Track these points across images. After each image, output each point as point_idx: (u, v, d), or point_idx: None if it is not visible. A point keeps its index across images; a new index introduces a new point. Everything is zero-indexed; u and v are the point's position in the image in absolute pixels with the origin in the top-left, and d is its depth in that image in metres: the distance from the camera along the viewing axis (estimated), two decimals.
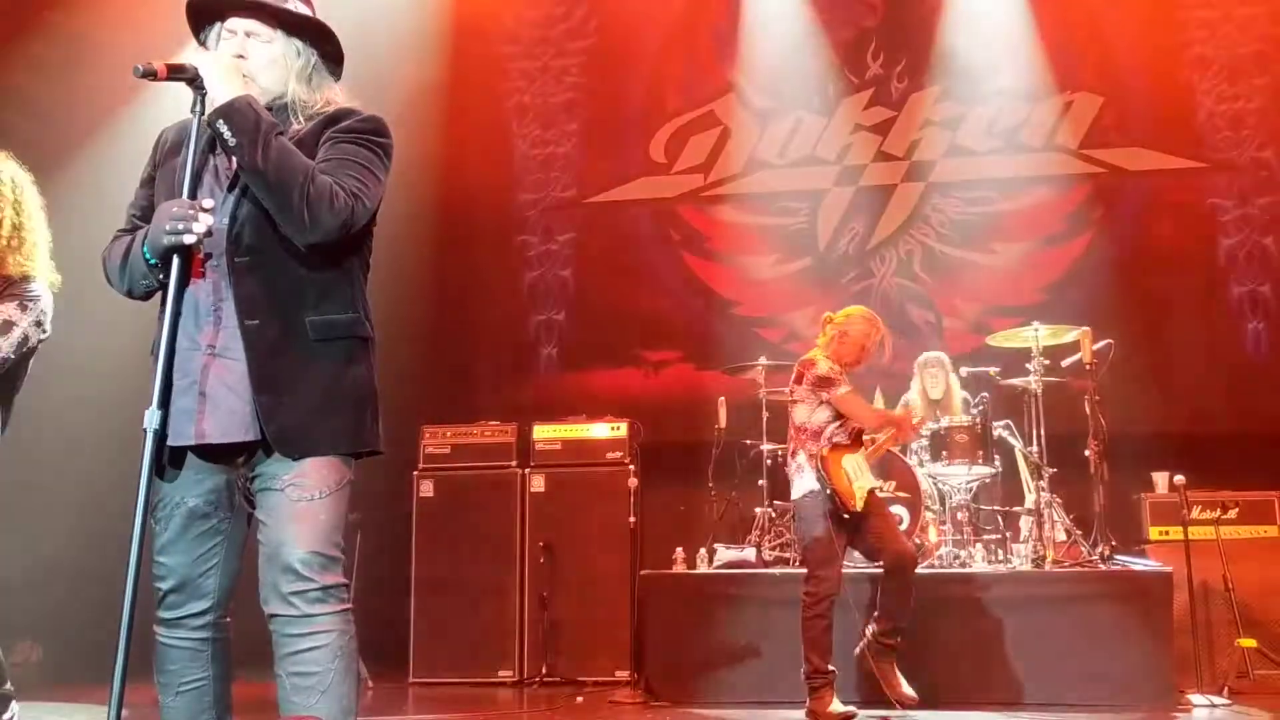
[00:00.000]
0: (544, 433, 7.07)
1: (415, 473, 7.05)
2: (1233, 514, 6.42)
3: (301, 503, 2.43)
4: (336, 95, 2.66)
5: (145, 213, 2.60)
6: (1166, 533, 6.35)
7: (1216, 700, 5.44)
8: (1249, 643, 5.77)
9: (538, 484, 6.92)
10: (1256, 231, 7.83)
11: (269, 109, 2.51)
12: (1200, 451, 6.60)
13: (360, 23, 8.21)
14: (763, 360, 6.84)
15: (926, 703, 5.39)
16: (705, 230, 8.60)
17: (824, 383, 5.24)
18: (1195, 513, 6.13)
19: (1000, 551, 6.13)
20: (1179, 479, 6.00)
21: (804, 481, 5.25)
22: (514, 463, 7.01)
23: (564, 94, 8.76)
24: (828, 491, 5.13)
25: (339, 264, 2.56)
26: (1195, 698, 5.45)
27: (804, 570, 5.29)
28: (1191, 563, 5.81)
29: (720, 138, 8.63)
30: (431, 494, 7.00)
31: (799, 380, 5.35)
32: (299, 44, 2.63)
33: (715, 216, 8.61)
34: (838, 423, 5.27)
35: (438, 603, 6.82)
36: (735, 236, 8.56)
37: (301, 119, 2.58)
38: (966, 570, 5.92)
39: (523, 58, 8.73)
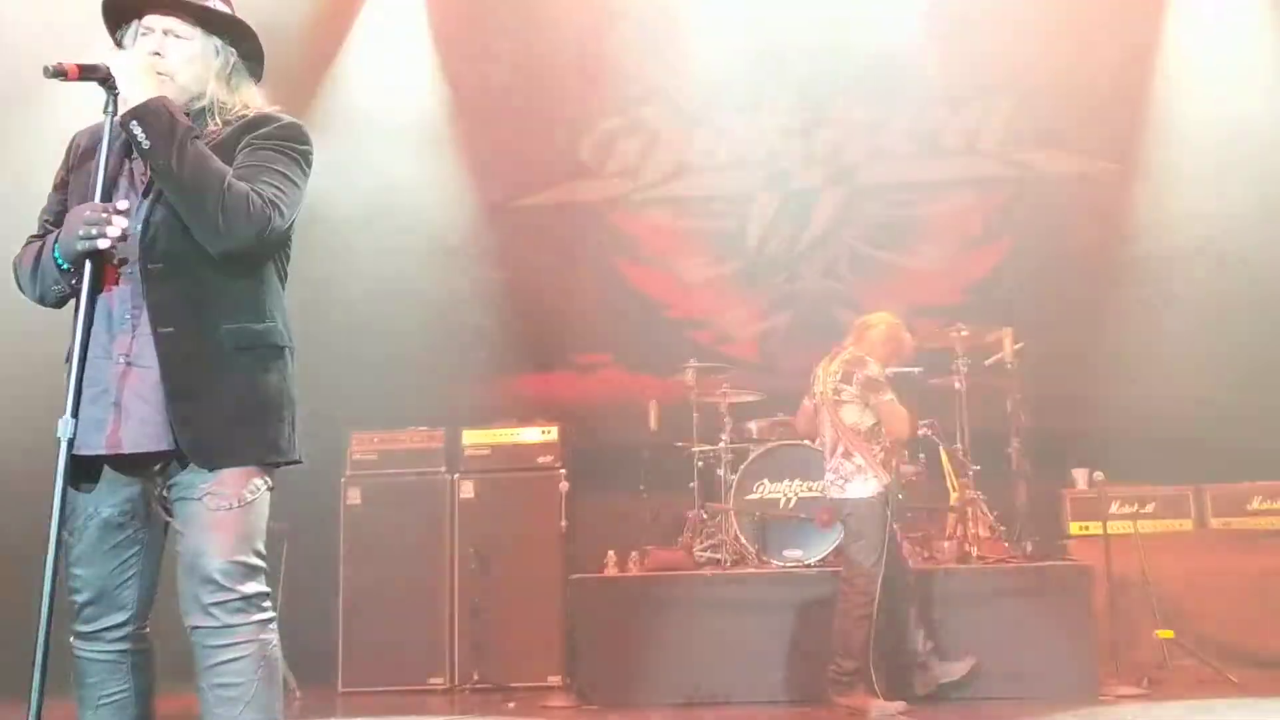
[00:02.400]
0: (474, 438, 7.02)
1: (342, 480, 6.97)
2: (1150, 508, 6.60)
3: (219, 512, 2.39)
4: (255, 97, 2.62)
5: (58, 218, 2.54)
6: (1086, 528, 6.50)
7: (1136, 691, 5.58)
8: (1167, 634, 5.94)
9: (467, 490, 6.87)
10: (1168, 234, 8.03)
11: (186, 111, 2.46)
12: (1118, 448, 6.75)
13: (279, 22, 8.15)
14: (693, 362, 6.85)
15: None
16: (635, 233, 8.61)
17: (873, 385, 5.31)
18: (1114, 508, 6.29)
19: (926, 549, 6.22)
20: (1098, 475, 6.15)
21: (866, 484, 5.26)
22: (443, 468, 6.96)
23: (492, 96, 8.69)
24: (898, 495, 5.26)
25: (256, 272, 2.52)
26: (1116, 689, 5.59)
27: (851, 569, 5.28)
28: (1111, 557, 5.95)
29: (648, 141, 8.65)
30: (359, 501, 6.92)
31: (847, 380, 5.35)
32: (218, 43, 2.58)
33: (645, 220, 8.62)
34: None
35: (367, 611, 6.74)
36: (665, 240, 8.58)
37: (219, 121, 2.53)
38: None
39: (450, 60, 8.65)
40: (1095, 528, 6.21)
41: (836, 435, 5.37)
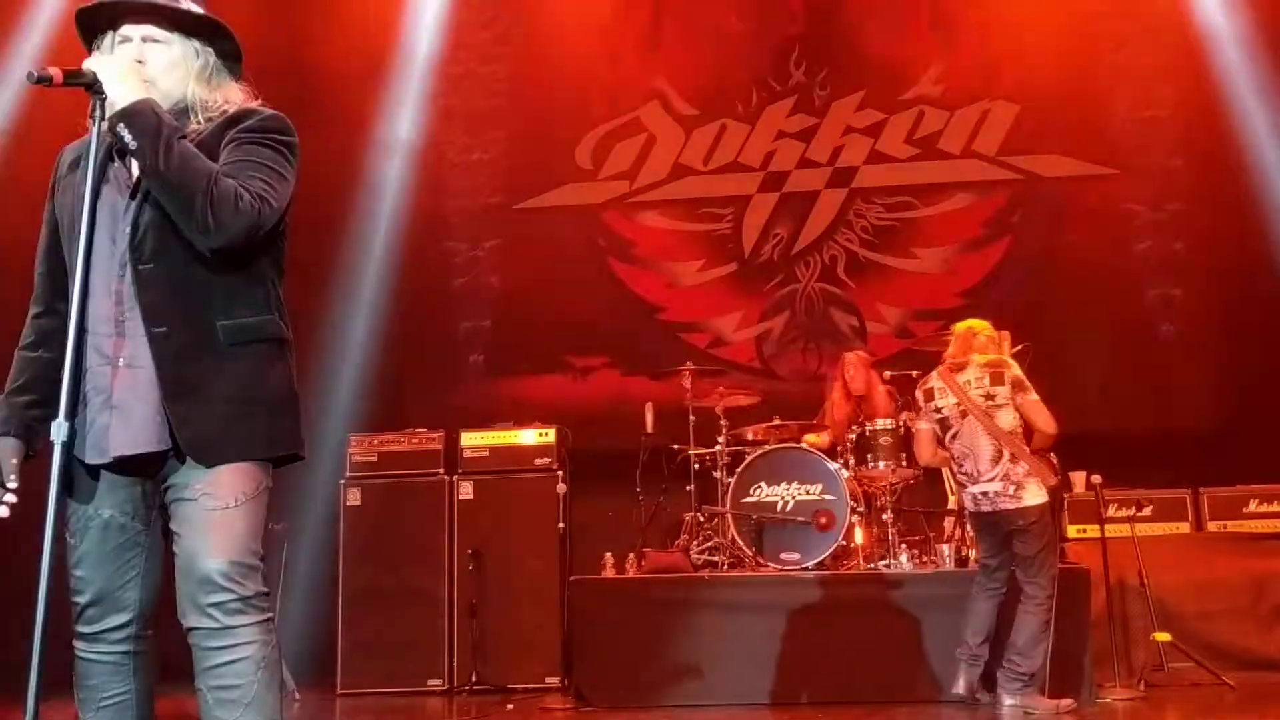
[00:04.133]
0: (472, 439, 7.03)
1: (342, 481, 6.97)
2: (1147, 511, 6.61)
3: (217, 511, 2.37)
4: (236, 94, 2.61)
5: (46, 257, 2.55)
6: (1084, 530, 6.51)
7: (1133, 693, 5.59)
8: (1164, 636, 5.94)
9: (466, 491, 6.87)
10: (1168, 236, 8.06)
11: (170, 113, 2.46)
12: (1116, 451, 6.77)
13: (284, 26, 8.17)
14: (689, 365, 6.85)
15: (851, 699, 5.48)
16: (631, 236, 8.62)
17: (1021, 385, 5.26)
18: (1111, 511, 6.28)
19: (923, 552, 6.23)
20: (1096, 478, 6.14)
21: (1040, 489, 5.18)
22: (442, 470, 6.96)
23: (489, 100, 8.72)
24: (1060, 496, 5.26)
25: (249, 266, 2.50)
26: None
27: (1039, 574, 5.18)
28: (1108, 560, 5.95)
29: (645, 144, 8.67)
30: (359, 502, 6.92)
31: (997, 382, 5.28)
32: (197, 44, 2.57)
33: (641, 222, 8.64)
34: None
35: (366, 612, 6.74)
36: (661, 242, 8.60)
37: (202, 119, 2.53)
38: (891, 571, 6.00)
39: (448, 63, 8.67)
40: (1093, 530, 6.21)
41: (998, 443, 5.22)
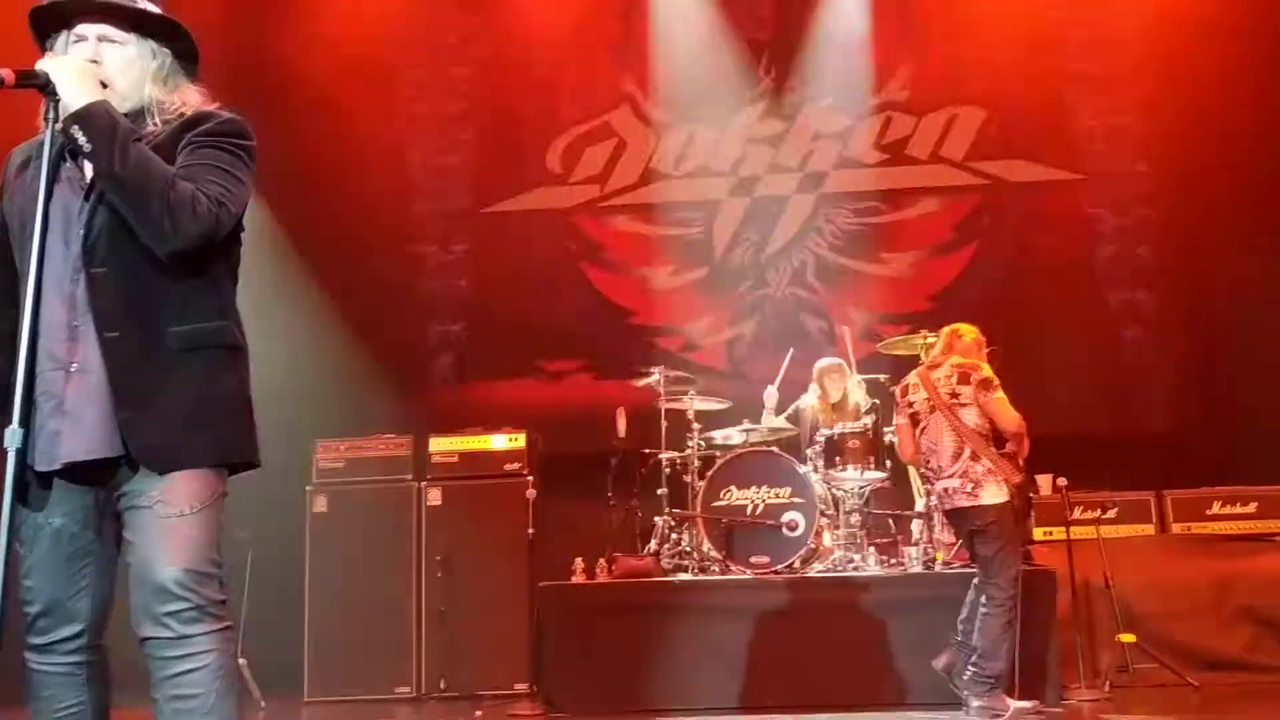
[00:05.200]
0: (441, 445, 7.00)
1: (309, 488, 6.92)
2: (1112, 514, 6.67)
3: (171, 519, 2.34)
4: (194, 96, 2.59)
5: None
6: (1050, 533, 6.54)
7: (1098, 694, 5.63)
8: (1129, 638, 5.98)
9: (434, 497, 6.84)
10: (1132, 241, 8.14)
11: (126, 115, 2.43)
12: (1082, 454, 6.81)
13: (251, 28, 8.12)
14: (661, 370, 6.85)
15: (819, 704, 5.49)
16: (602, 240, 8.62)
17: (988, 384, 5.29)
18: (1077, 513, 6.34)
19: (891, 555, 6.25)
20: (1062, 481, 6.19)
21: (1000, 488, 5.21)
22: (410, 476, 6.93)
23: (459, 103, 8.71)
24: (1026, 496, 5.25)
25: (204, 272, 2.47)
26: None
27: (998, 574, 5.18)
28: (1074, 562, 5.99)
29: (616, 149, 8.67)
30: (326, 509, 6.88)
31: (963, 381, 5.32)
32: (153, 45, 2.54)
33: (612, 227, 8.64)
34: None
35: (332, 619, 6.69)
36: (632, 247, 8.60)
37: (158, 121, 2.51)
38: (859, 573, 6.02)
39: (417, 66, 8.65)
40: (1059, 533, 6.25)
41: (960, 440, 5.27)
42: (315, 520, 6.86)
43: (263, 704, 6.37)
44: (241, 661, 6.36)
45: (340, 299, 8.16)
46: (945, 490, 5.32)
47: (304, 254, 8.02)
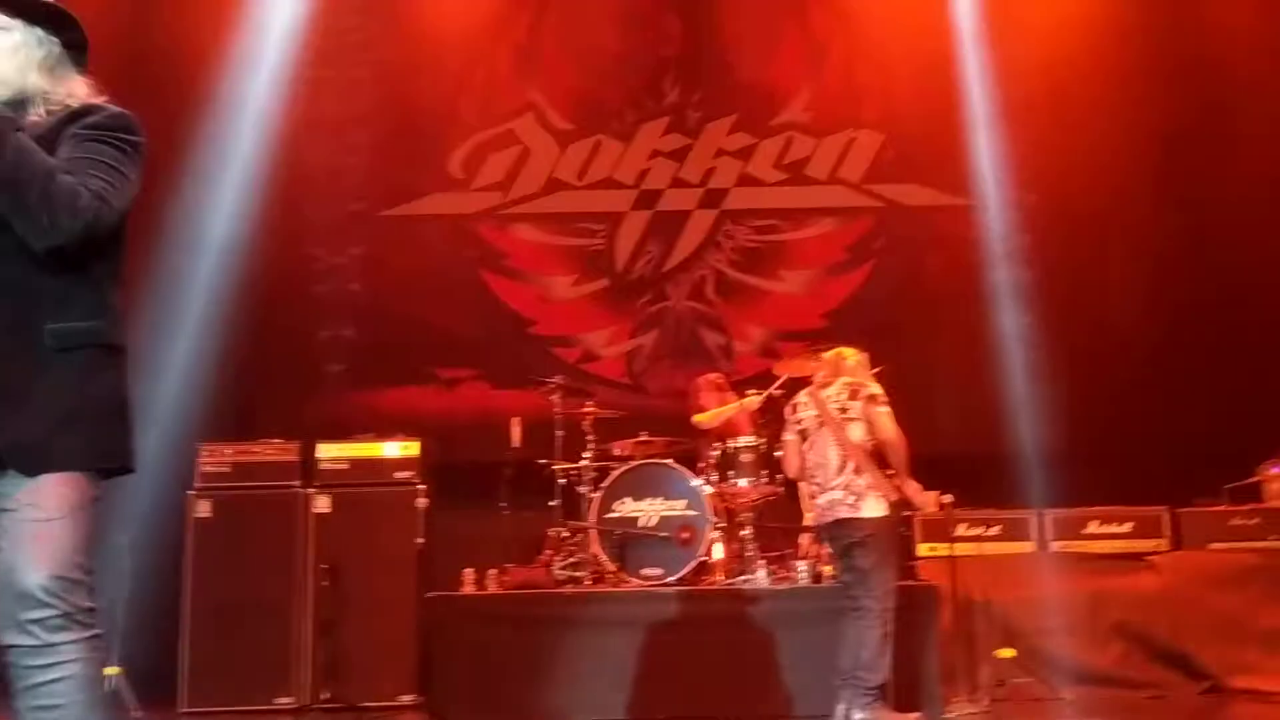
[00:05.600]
0: (330, 451, 6.85)
1: (191, 492, 6.72)
2: (995, 531, 6.84)
3: (39, 523, 2.27)
4: (81, 88, 2.52)
5: None
6: (935, 549, 6.68)
7: (977, 708, 5.77)
8: (1008, 653, 6.14)
9: (322, 504, 6.69)
10: (1018, 266, 8.40)
11: (7, 103, 2.35)
12: (967, 472, 6.96)
13: (143, 21, 7.89)
14: (558, 380, 6.83)
15: (707, 715, 5.54)
16: (503, 248, 8.58)
17: (876, 399, 5.37)
18: (961, 530, 6.49)
19: (781, 567, 6.33)
20: (946, 498, 6.33)
21: (880, 502, 5.27)
22: (297, 482, 6.77)
23: (358, 105, 8.56)
24: (900, 514, 5.31)
25: (83, 269, 2.40)
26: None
27: (876, 588, 5.22)
28: (957, 577, 6.13)
29: (519, 157, 8.64)
30: (209, 514, 6.67)
31: (854, 397, 5.40)
32: (40, 32, 2.48)
33: (514, 235, 8.61)
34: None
35: (213, 628, 6.50)
36: (533, 255, 8.58)
37: (42, 112, 2.43)
38: (750, 586, 6.08)
39: (314, 65, 8.48)
40: (943, 549, 6.39)
41: (845, 454, 5.35)
42: (198, 526, 6.66)
43: (137, 714, 6.16)
44: (117, 670, 6.17)
45: (229, 300, 7.95)
46: (829, 502, 5.40)
47: (191, 253, 7.80)
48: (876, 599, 5.25)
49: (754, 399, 6.62)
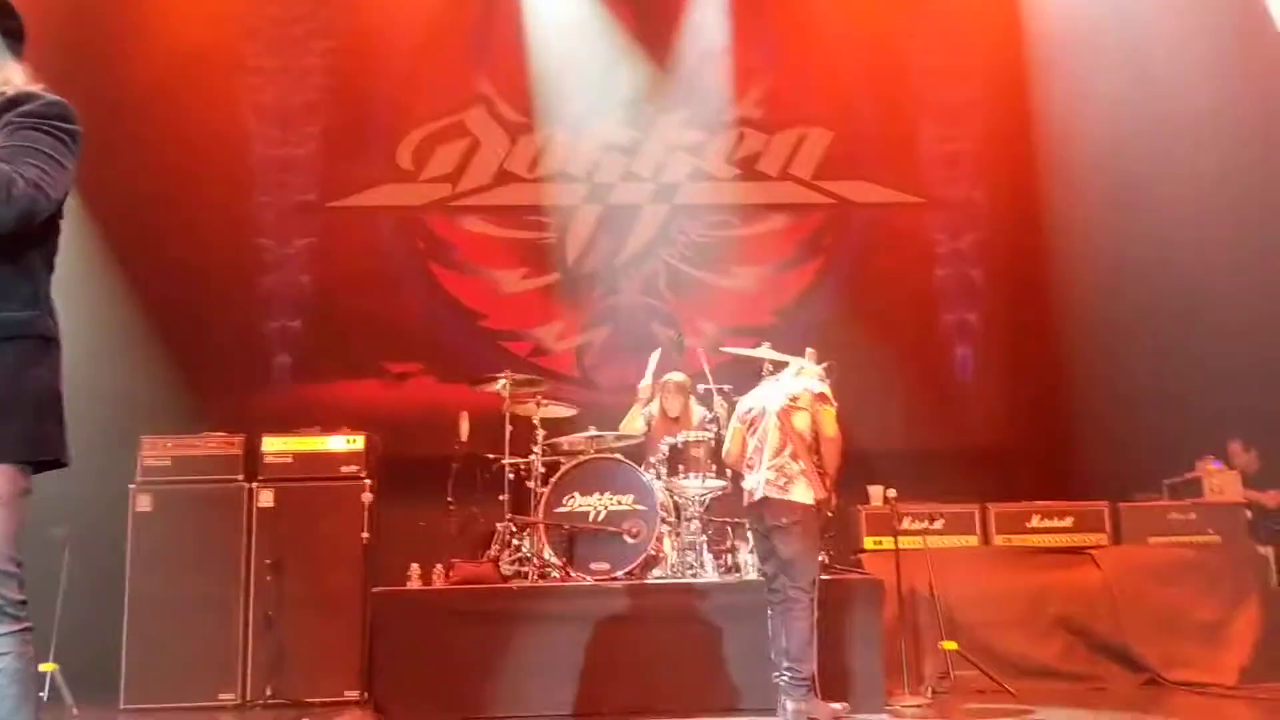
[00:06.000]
0: (274, 445, 6.77)
1: (132, 486, 6.61)
2: (939, 525, 6.90)
3: None
4: (18, 76, 2.47)
5: None
6: (880, 543, 6.74)
7: (920, 700, 5.82)
8: (951, 645, 6.21)
9: (266, 498, 6.62)
10: (966, 264, 8.51)
11: None
12: (912, 466, 7.06)
13: (85, 7, 7.74)
14: (507, 374, 6.79)
15: (653, 710, 5.53)
16: (452, 240, 8.52)
17: (825, 399, 5.42)
18: (906, 524, 6.54)
19: (729, 561, 6.34)
20: (891, 492, 6.39)
21: (808, 489, 5.32)
22: (240, 476, 6.68)
23: (306, 94, 8.47)
24: (830, 501, 5.38)
25: (17, 258, 2.36)
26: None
27: (801, 576, 5.27)
28: (901, 571, 6.19)
29: (469, 148, 8.59)
30: (150, 508, 6.58)
31: (805, 391, 5.47)
32: None
33: (463, 227, 8.56)
34: None
35: (153, 623, 6.40)
36: (483, 248, 8.54)
37: None
38: (698, 580, 6.09)
39: (262, 55, 8.38)
40: (888, 543, 6.45)
41: (785, 438, 5.41)
42: (139, 520, 6.56)
43: (75, 711, 6.06)
44: (55, 666, 6.06)
45: (172, 291, 7.84)
46: (758, 482, 5.46)
47: (134, 243, 7.67)
48: (803, 590, 5.30)
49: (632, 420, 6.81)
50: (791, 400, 5.52)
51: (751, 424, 5.62)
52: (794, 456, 5.39)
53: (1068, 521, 7.01)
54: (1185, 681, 6.32)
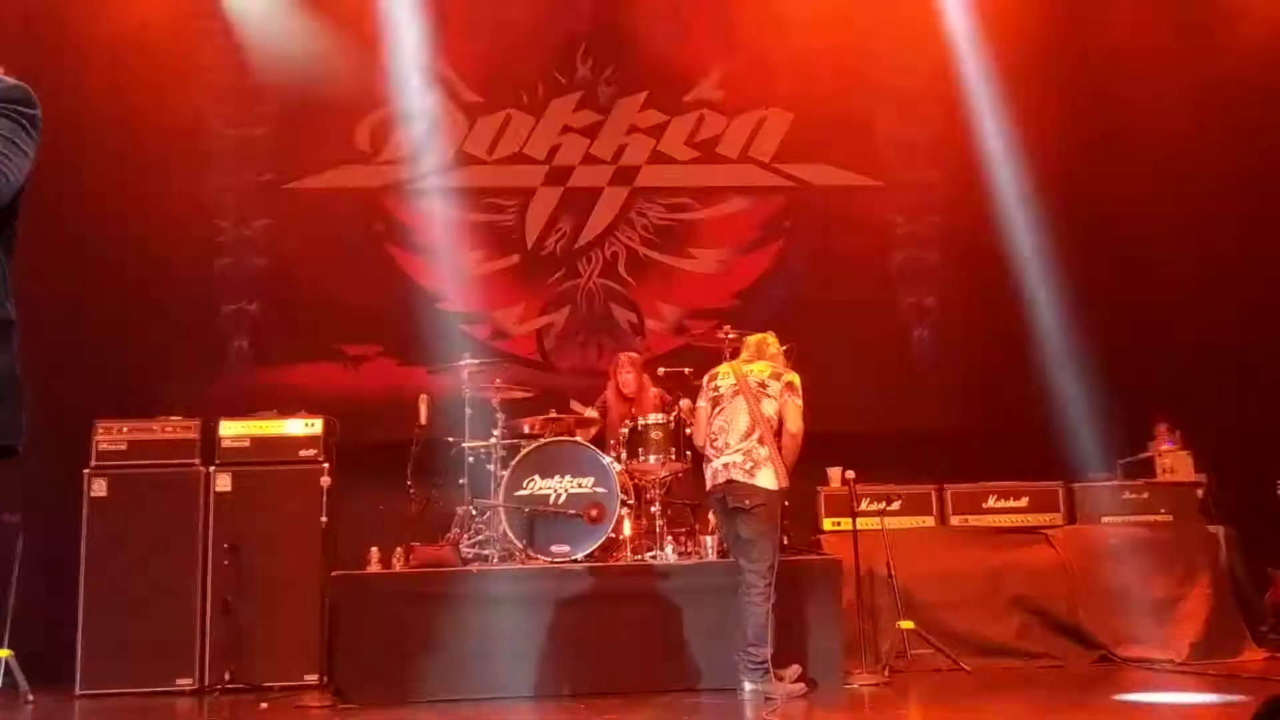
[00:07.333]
0: (231, 429, 6.71)
1: (87, 471, 6.53)
2: (896, 505, 6.99)
3: None
4: None
5: None
6: (839, 523, 6.80)
7: (878, 679, 5.89)
8: (908, 625, 6.29)
9: (223, 483, 6.57)
10: (923, 247, 8.56)
11: None
12: (870, 447, 7.10)
13: None
14: (467, 357, 6.76)
15: (613, 690, 5.56)
16: (411, 223, 8.45)
17: (794, 388, 5.53)
18: (864, 505, 6.60)
19: (689, 543, 6.37)
20: (849, 474, 6.44)
21: (773, 475, 5.40)
22: (197, 460, 6.62)
23: (261, 75, 8.33)
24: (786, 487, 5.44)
25: None
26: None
27: (761, 559, 5.37)
28: (859, 551, 6.25)
29: (428, 130, 8.50)
30: (105, 493, 6.51)
31: (775, 378, 5.55)
32: None
33: (421, 209, 8.47)
34: None
35: (109, 609, 6.34)
36: (442, 230, 8.45)
37: None
38: (658, 562, 6.11)
39: (218, 34, 8.25)
40: (847, 523, 6.50)
41: (754, 422, 5.48)
42: (94, 505, 6.48)
43: (30, 698, 6.00)
44: (9, 653, 6.00)
45: (128, 272, 7.73)
46: (725, 465, 5.52)
47: (89, 224, 7.56)
48: (761, 574, 5.38)
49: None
50: (760, 386, 5.58)
51: (717, 401, 5.66)
52: (761, 441, 5.47)
53: (1023, 502, 7.11)
54: (1138, 658, 6.43)
